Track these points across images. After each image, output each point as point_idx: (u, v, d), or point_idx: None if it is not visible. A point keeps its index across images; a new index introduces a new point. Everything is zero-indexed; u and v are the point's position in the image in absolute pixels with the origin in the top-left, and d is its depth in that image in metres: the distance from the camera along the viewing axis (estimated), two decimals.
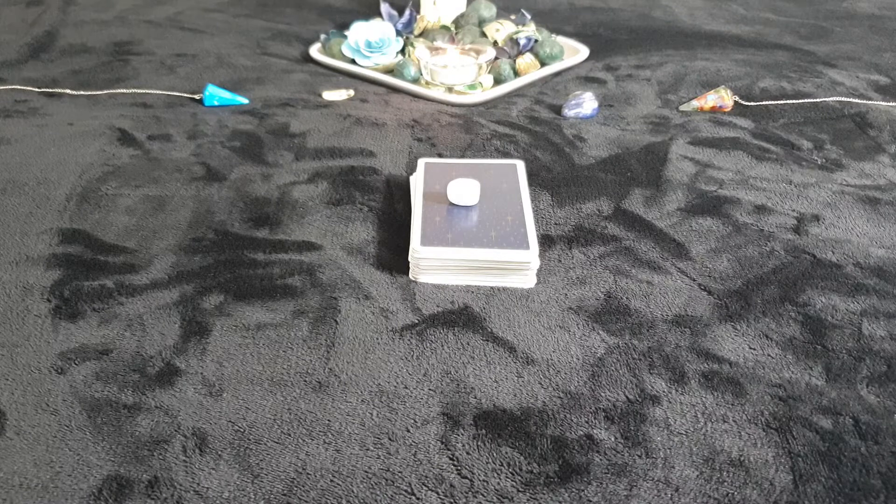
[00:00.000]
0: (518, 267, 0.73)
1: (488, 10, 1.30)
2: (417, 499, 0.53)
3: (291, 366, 0.64)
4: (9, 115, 1.06)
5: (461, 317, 0.70)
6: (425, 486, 0.54)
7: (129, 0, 1.58)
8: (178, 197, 0.88)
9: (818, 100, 1.14)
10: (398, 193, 0.89)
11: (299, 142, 1.00)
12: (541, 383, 0.63)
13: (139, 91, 1.14)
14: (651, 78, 1.22)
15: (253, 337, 0.67)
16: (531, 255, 0.72)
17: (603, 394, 0.62)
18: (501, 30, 1.25)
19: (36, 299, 0.71)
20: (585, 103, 1.08)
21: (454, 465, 0.55)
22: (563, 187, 0.91)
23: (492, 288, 0.73)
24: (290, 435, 0.58)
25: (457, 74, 1.12)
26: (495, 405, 0.60)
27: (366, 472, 0.55)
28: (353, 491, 0.53)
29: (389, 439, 0.57)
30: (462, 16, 1.31)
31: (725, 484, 0.54)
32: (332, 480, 0.54)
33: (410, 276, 0.75)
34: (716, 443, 0.57)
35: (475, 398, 0.61)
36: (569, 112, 1.08)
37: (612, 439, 0.57)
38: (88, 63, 1.25)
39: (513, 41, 1.22)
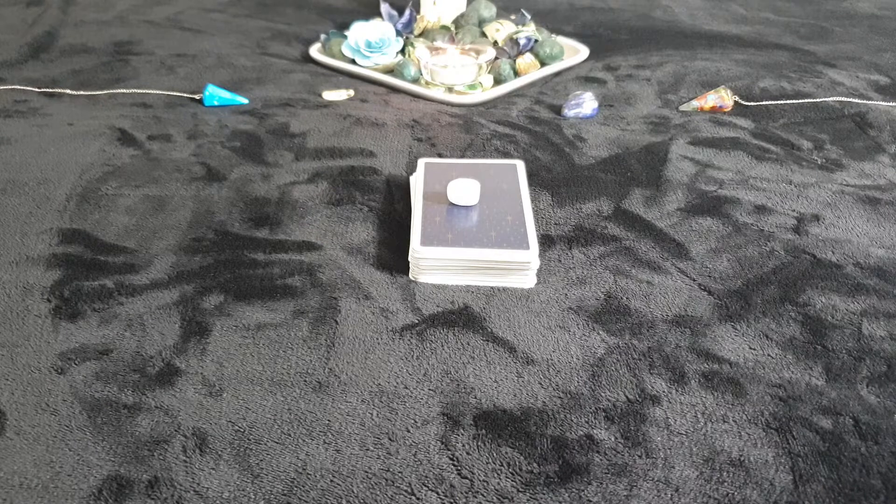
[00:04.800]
0: (518, 267, 0.73)
1: (488, 10, 1.30)
2: (417, 499, 0.53)
3: (291, 366, 0.64)
4: (9, 115, 1.06)
5: (461, 317, 0.70)
6: (425, 486, 0.54)
7: (129, 0, 1.58)
8: (178, 197, 0.88)
9: (818, 100, 1.14)
10: (398, 193, 0.89)
11: (299, 142, 1.00)
12: (541, 383, 0.63)
13: (139, 91, 1.14)
14: (651, 78, 1.22)
15: (253, 337, 0.67)
16: (531, 255, 0.72)
17: (603, 394, 0.62)
18: (501, 30, 1.25)
19: (36, 299, 0.71)
20: (585, 103, 1.08)
21: (454, 465, 0.55)
22: (563, 187, 0.91)
23: (492, 288, 0.73)
24: (290, 435, 0.58)
25: (457, 74, 1.12)
26: (495, 405, 0.60)
27: (366, 472, 0.55)
28: (353, 491, 0.53)
29: (389, 439, 0.57)
30: (462, 16, 1.31)
31: (725, 484, 0.54)
32: (332, 480, 0.54)
33: (410, 276, 0.75)
34: (716, 443, 0.57)
35: (475, 398, 0.61)
36: (569, 112, 1.08)
37: (612, 439, 0.57)
38: (88, 63, 1.25)
39: (513, 41, 1.22)
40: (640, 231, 0.83)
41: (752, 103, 1.12)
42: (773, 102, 1.13)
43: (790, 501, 0.53)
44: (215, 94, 1.10)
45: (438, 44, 1.18)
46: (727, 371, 0.64)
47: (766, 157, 0.98)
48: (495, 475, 0.55)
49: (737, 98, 1.12)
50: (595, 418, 0.59)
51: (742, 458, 0.56)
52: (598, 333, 0.68)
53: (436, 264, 0.73)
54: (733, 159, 0.97)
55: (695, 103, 1.11)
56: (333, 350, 0.66)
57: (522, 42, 1.22)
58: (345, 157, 0.97)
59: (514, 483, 0.54)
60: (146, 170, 0.93)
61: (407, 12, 1.26)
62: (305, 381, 0.62)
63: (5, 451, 0.56)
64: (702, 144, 1.01)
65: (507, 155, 0.98)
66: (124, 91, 1.14)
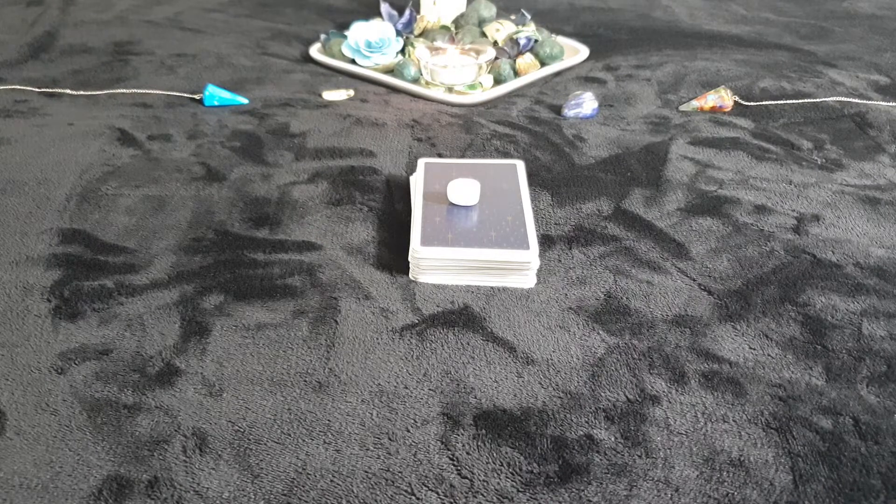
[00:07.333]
0: (518, 267, 0.73)
1: (488, 10, 1.30)
2: (417, 499, 0.53)
3: (291, 366, 0.64)
4: (9, 115, 1.06)
5: (461, 317, 0.70)
6: (425, 486, 0.54)
7: (129, 0, 1.58)
8: (178, 197, 0.88)
9: (818, 100, 1.14)
10: (398, 193, 0.89)
11: (299, 142, 1.00)
12: (541, 383, 0.63)
13: (139, 91, 1.14)
14: (651, 78, 1.22)
15: (253, 337, 0.67)
16: (531, 255, 0.72)
17: (603, 394, 0.62)
18: (501, 30, 1.25)
19: (36, 299, 0.71)
20: (585, 103, 1.08)
21: (454, 465, 0.55)
22: (563, 187, 0.91)
23: (492, 288, 0.73)
24: (290, 435, 0.58)
25: (457, 74, 1.12)
26: (495, 405, 0.60)
27: (366, 472, 0.55)
28: (353, 491, 0.53)
29: (389, 439, 0.57)
30: (462, 16, 1.31)
31: (725, 484, 0.54)
32: (332, 480, 0.54)
33: (410, 276, 0.75)
34: (716, 443, 0.57)
35: (475, 398, 0.61)
36: (569, 112, 1.08)
37: (612, 439, 0.57)
38: (88, 63, 1.25)
39: (513, 41, 1.22)
40: (640, 231, 0.83)
41: (752, 103, 1.12)
42: (773, 102, 1.13)
43: (790, 501, 0.53)
44: (215, 94, 1.10)
45: (438, 44, 1.18)
46: (727, 371, 0.64)
47: (766, 157, 0.98)
48: (495, 475, 0.55)
49: (737, 98, 1.12)
50: (595, 418, 0.59)
51: (742, 458, 0.56)
52: (598, 333, 0.68)
53: (436, 264, 0.73)
54: (733, 159, 0.97)
55: (695, 103, 1.11)
56: (333, 350, 0.66)
57: (522, 42, 1.22)
58: (345, 157, 0.97)
59: (514, 483, 0.54)
60: (146, 170, 0.93)
61: (407, 12, 1.26)
62: (305, 381, 0.62)
63: (5, 451, 0.56)
64: (702, 144, 1.01)
65: (507, 155, 0.98)
66: (124, 91, 1.14)
